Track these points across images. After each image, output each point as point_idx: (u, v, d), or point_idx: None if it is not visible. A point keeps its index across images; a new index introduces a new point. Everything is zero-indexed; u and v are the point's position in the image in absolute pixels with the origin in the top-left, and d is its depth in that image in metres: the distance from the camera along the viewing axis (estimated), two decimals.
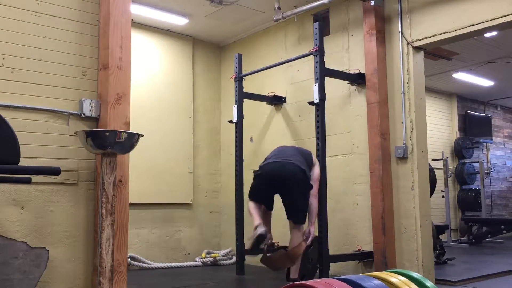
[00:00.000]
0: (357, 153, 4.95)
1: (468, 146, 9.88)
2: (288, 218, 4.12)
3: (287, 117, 5.76)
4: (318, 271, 4.35)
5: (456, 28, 4.28)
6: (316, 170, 4.25)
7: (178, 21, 5.94)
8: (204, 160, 6.51)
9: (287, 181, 4.02)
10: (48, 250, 3.04)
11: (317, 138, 4.41)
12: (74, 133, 2.93)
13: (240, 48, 6.34)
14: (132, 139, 2.86)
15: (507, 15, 3.94)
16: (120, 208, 3.16)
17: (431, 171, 6.48)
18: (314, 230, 4.15)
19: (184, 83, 6.38)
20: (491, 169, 10.59)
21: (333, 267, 4.48)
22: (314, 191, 4.17)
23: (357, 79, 4.92)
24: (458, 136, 9.94)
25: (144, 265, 5.56)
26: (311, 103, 4.45)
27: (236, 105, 5.37)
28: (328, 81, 4.60)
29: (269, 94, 5.81)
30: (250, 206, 4.15)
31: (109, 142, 2.77)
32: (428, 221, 4.56)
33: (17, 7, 3.08)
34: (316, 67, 4.46)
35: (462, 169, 9.68)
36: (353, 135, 5.01)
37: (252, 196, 4.21)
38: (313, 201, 4.16)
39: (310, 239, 4.09)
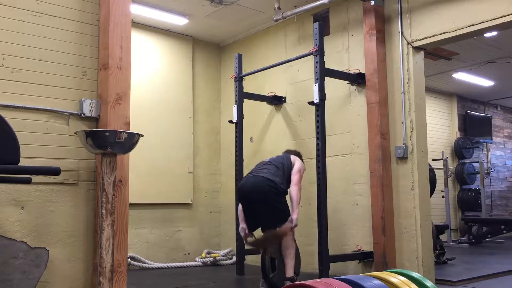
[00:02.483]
0: (357, 153, 4.95)
1: (468, 146, 9.88)
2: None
3: (287, 117, 5.76)
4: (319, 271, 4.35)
5: (456, 28, 4.28)
6: (296, 165, 4.28)
7: (178, 21, 5.94)
8: (204, 160, 6.51)
9: (252, 194, 4.08)
10: (48, 250, 3.05)
11: (317, 138, 4.41)
12: (74, 133, 2.93)
13: (240, 48, 6.34)
14: (132, 139, 2.86)
15: (507, 15, 3.94)
16: (120, 208, 3.16)
17: (431, 171, 6.47)
18: (297, 218, 4.14)
19: (184, 83, 6.38)
20: (491, 169, 10.59)
21: (333, 267, 4.48)
22: (294, 181, 4.18)
23: (357, 79, 4.92)
24: (458, 136, 9.94)
25: (144, 265, 5.56)
26: (311, 103, 4.45)
27: (236, 105, 5.37)
28: (328, 81, 4.60)
29: (269, 94, 5.81)
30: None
31: (109, 142, 2.77)
32: (428, 221, 4.56)
33: (17, 7, 3.09)
34: (316, 67, 4.45)
35: (462, 169, 9.68)
36: (353, 135, 5.01)
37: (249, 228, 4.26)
38: (293, 189, 4.14)
39: (294, 224, 4.09)
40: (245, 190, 4.16)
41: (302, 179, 4.31)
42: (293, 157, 4.39)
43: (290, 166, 4.28)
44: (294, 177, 4.20)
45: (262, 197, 4.05)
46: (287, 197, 4.16)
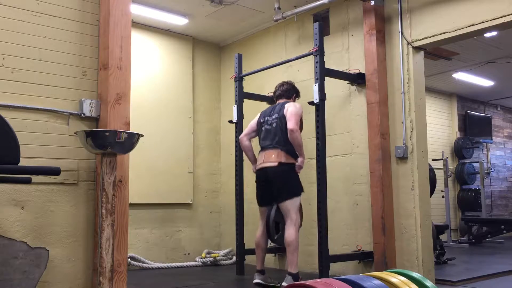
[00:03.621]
0: (357, 153, 4.95)
1: (468, 146, 9.88)
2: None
3: None
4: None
5: (456, 28, 4.28)
6: (288, 111, 4.25)
7: (178, 21, 5.94)
8: (204, 160, 6.51)
9: (270, 181, 4.29)
10: (48, 250, 3.05)
11: (317, 138, 4.41)
12: (74, 133, 2.93)
13: (240, 48, 6.34)
14: (132, 139, 2.86)
15: (507, 15, 3.94)
16: (120, 208, 3.16)
17: (431, 171, 6.47)
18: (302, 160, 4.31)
19: (184, 83, 6.38)
20: (491, 169, 10.59)
21: (333, 267, 4.48)
22: (290, 126, 4.16)
23: (357, 79, 4.92)
24: (458, 136, 9.94)
25: (144, 265, 5.56)
26: (311, 103, 4.45)
27: (236, 105, 5.37)
28: (328, 81, 4.60)
29: (269, 94, 5.80)
30: (256, 238, 4.43)
31: (109, 142, 2.77)
32: (428, 221, 4.56)
33: (17, 7, 3.09)
34: (316, 67, 4.45)
35: (462, 169, 9.68)
36: (353, 135, 5.01)
37: (259, 202, 4.49)
38: (291, 137, 4.17)
39: (301, 168, 4.30)
40: (263, 172, 4.33)
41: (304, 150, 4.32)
42: (286, 106, 4.35)
43: (284, 116, 4.27)
44: (289, 123, 4.18)
45: (278, 176, 4.24)
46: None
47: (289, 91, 4.60)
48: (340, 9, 5.27)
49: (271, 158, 4.26)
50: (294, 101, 4.61)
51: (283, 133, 4.26)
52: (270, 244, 4.68)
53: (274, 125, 4.35)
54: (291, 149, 4.24)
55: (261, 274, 4.30)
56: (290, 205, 4.19)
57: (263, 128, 4.46)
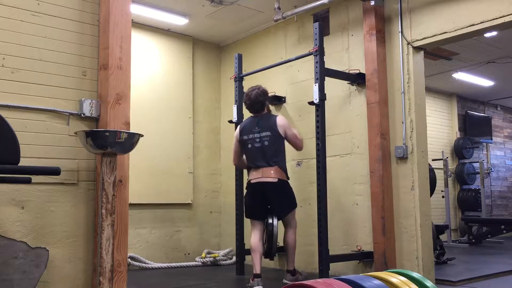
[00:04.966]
0: (357, 153, 4.95)
1: (468, 146, 9.88)
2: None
3: (287, 117, 5.72)
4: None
5: (456, 28, 4.28)
6: (285, 127, 4.47)
7: (178, 21, 5.94)
8: (204, 160, 6.51)
9: (269, 195, 4.40)
10: (48, 250, 3.05)
11: (317, 138, 4.41)
12: (74, 133, 2.93)
13: (240, 48, 6.34)
14: (132, 139, 2.86)
15: (507, 15, 3.94)
16: (120, 208, 3.16)
17: (431, 171, 6.47)
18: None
19: (184, 83, 6.38)
20: (491, 169, 10.58)
21: (333, 267, 4.48)
22: (298, 146, 4.55)
23: (357, 79, 4.92)
24: (458, 136, 9.94)
25: (144, 265, 5.56)
26: (311, 103, 4.45)
27: (236, 105, 5.37)
28: (328, 81, 4.60)
29: (269, 94, 5.80)
30: (252, 243, 4.43)
31: (109, 142, 2.77)
32: (428, 221, 4.56)
33: (17, 7, 3.09)
34: (316, 67, 4.45)
35: (462, 169, 9.68)
36: (353, 135, 5.01)
37: (248, 215, 4.63)
38: (299, 147, 4.56)
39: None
40: (261, 185, 4.41)
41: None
42: (278, 122, 4.48)
43: (280, 135, 4.42)
44: (297, 141, 4.53)
45: (279, 190, 4.41)
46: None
47: (265, 103, 4.65)
48: (340, 9, 5.27)
49: (270, 174, 4.35)
50: (269, 109, 4.77)
51: (279, 151, 4.42)
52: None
53: (266, 143, 4.40)
54: (285, 166, 4.47)
55: (260, 278, 4.31)
56: (291, 215, 4.52)
57: (250, 146, 4.48)
